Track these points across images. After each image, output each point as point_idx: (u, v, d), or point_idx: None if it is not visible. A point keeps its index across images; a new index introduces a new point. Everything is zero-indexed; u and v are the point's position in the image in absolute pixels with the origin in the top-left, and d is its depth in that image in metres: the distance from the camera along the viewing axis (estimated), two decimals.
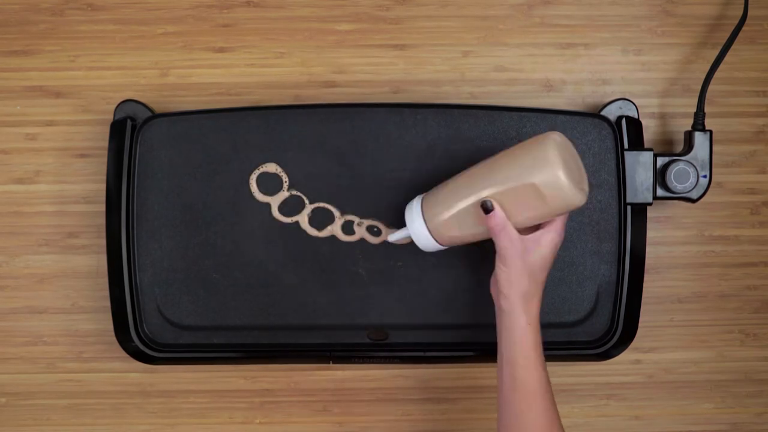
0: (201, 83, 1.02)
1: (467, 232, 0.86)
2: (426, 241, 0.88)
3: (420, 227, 0.87)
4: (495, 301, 0.86)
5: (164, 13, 1.02)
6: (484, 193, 0.83)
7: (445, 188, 0.87)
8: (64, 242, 1.02)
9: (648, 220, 0.98)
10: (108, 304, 0.96)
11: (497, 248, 0.84)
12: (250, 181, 0.95)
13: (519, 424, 0.83)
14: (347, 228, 0.96)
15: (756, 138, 1.03)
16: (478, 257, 0.95)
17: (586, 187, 0.83)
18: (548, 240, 0.83)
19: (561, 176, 0.80)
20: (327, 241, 0.96)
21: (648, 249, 0.97)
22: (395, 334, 0.96)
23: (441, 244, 0.88)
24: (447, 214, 0.85)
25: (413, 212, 0.88)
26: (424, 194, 0.89)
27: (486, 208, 0.83)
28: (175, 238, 0.95)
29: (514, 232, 0.83)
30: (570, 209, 0.82)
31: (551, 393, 0.85)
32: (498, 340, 0.86)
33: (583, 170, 0.84)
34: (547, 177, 0.80)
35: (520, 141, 0.95)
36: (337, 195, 0.95)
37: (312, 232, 0.95)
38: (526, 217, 0.83)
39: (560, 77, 1.02)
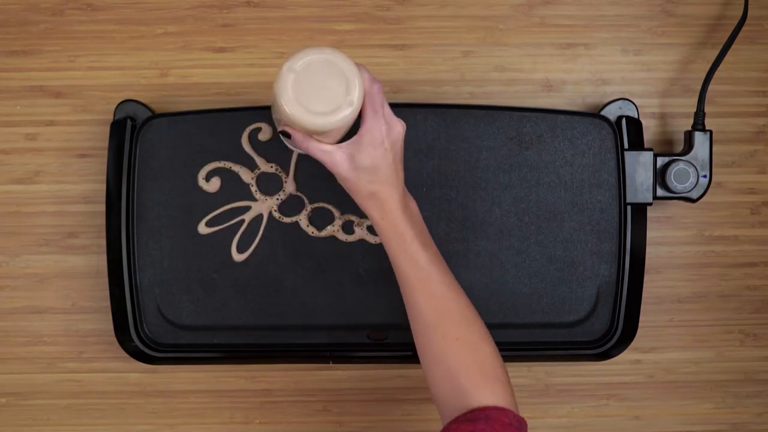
0: (201, 83, 1.02)
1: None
2: None
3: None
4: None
5: (164, 13, 1.02)
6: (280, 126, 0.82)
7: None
8: (64, 242, 1.02)
9: (648, 220, 0.98)
10: (108, 304, 0.96)
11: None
12: (250, 181, 0.95)
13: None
14: (347, 228, 0.96)
15: (756, 138, 1.03)
16: (477, 258, 0.95)
17: (331, 107, 0.78)
18: (365, 134, 0.80)
19: (285, 108, 0.77)
20: (327, 241, 0.96)
21: (648, 249, 0.97)
22: (395, 334, 0.96)
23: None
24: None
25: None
26: None
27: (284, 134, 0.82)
28: (175, 238, 0.95)
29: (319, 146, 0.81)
30: (317, 129, 0.79)
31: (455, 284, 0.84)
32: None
33: (342, 86, 0.78)
34: (283, 111, 0.78)
35: (519, 141, 0.96)
36: (337, 195, 0.95)
37: (312, 232, 0.95)
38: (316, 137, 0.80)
39: (560, 77, 1.02)
